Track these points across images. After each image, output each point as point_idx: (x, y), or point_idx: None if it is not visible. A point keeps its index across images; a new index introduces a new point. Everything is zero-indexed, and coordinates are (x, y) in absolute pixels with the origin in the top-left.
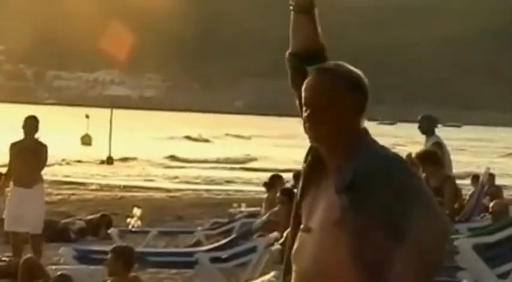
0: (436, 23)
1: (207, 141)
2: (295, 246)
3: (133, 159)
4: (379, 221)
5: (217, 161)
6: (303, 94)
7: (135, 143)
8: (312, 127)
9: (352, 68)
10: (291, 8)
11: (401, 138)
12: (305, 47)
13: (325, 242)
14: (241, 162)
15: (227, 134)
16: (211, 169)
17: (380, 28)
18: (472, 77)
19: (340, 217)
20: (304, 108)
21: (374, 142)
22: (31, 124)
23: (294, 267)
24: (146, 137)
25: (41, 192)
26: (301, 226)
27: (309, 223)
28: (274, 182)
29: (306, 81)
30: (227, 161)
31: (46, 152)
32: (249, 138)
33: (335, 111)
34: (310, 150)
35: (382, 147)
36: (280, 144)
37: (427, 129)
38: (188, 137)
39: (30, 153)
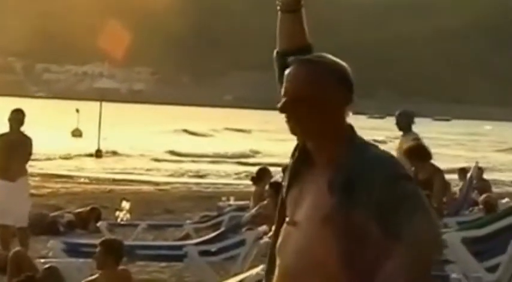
0: (428, 19)
1: (208, 135)
2: (279, 240)
3: (129, 153)
4: (371, 219)
5: (224, 156)
6: (283, 84)
7: (133, 137)
8: (291, 116)
9: (336, 59)
10: (278, 7)
11: (392, 132)
12: (292, 45)
13: (311, 237)
14: (246, 157)
15: (226, 128)
16: (214, 164)
17: (372, 24)
18: (462, 71)
19: (329, 214)
20: (282, 99)
21: (363, 139)
22: (17, 117)
23: (277, 261)
24: (145, 131)
25: (25, 185)
26: (286, 219)
27: (295, 217)
28: (261, 175)
29: (287, 72)
30: (232, 155)
31: (31, 145)
32: (249, 132)
33: (315, 102)
34: (298, 145)
35: (372, 145)
36: (282, 138)
37: (406, 125)
38: (187, 131)
39: (14, 146)
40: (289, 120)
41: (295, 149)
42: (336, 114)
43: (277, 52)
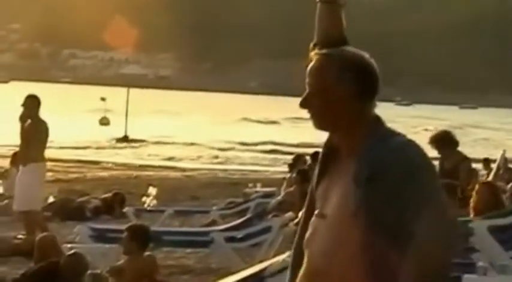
0: (453, 7)
1: (275, 123)
2: (308, 232)
3: (156, 140)
4: (391, 210)
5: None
6: None
7: (161, 124)
8: (310, 110)
9: (357, 52)
10: None
11: (420, 119)
12: (327, 37)
13: (340, 230)
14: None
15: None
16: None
17: (398, 12)
18: (487, 60)
19: (356, 206)
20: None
21: (387, 128)
22: (30, 103)
23: (306, 253)
24: (209, 121)
25: (32, 170)
26: (316, 212)
27: (323, 210)
28: (296, 162)
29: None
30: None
31: (46, 130)
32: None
33: (328, 93)
34: (327, 139)
35: (396, 133)
36: None
37: None
38: (259, 121)
39: (25, 132)
40: (310, 115)
41: (325, 143)
42: (349, 106)
43: (314, 44)
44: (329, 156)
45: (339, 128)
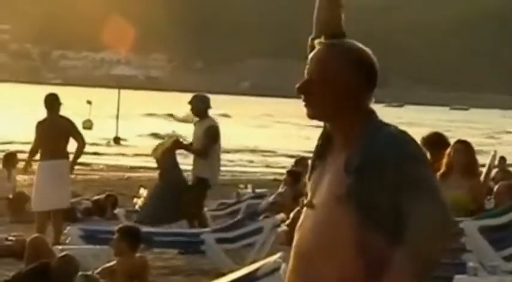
0: (444, 6)
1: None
2: (299, 222)
3: (146, 141)
4: (382, 200)
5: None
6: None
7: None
8: (307, 97)
9: (361, 46)
10: None
11: (411, 120)
12: (325, 31)
13: (326, 218)
14: None
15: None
16: None
17: (387, 11)
18: (479, 60)
19: (343, 194)
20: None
21: (381, 121)
22: (47, 103)
23: (294, 242)
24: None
25: (41, 170)
26: (305, 201)
27: (313, 199)
28: (297, 164)
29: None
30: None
31: (57, 128)
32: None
33: (328, 82)
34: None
35: (390, 125)
36: None
37: (201, 110)
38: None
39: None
40: (305, 102)
41: (320, 136)
42: (350, 97)
43: (312, 38)
44: (322, 149)
45: (335, 118)
